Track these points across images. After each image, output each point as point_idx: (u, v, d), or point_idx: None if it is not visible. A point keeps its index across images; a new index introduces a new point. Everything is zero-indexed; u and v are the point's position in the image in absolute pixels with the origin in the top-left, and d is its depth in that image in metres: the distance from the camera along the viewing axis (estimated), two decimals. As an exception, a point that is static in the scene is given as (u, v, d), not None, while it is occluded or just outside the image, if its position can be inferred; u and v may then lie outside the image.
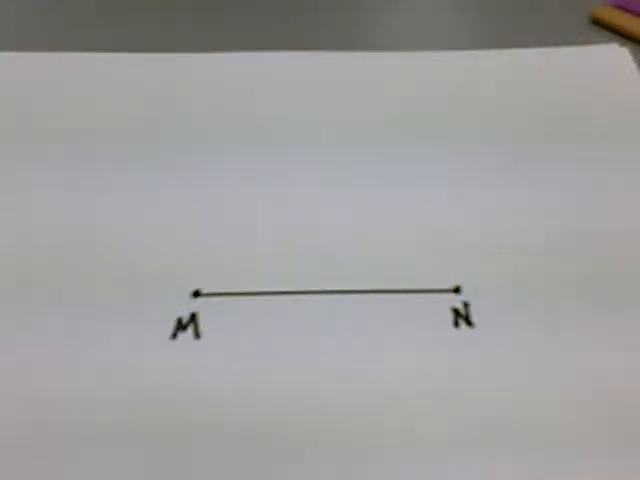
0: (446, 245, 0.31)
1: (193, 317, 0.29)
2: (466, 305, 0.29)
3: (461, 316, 0.29)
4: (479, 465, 0.25)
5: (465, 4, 0.44)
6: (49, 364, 0.28)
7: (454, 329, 0.28)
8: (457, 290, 0.30)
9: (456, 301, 0.29)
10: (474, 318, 0.29)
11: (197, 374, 0.27)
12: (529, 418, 0.26)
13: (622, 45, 0.39)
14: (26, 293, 0.29)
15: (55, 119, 0.35)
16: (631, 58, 0.38)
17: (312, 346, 0.28)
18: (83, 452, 0.26)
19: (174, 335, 0.28)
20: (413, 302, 0.29)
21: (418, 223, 0.32)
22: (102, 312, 0.29)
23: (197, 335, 0.28)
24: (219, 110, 0.36)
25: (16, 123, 0.35)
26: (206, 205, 0.32)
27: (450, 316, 0.29)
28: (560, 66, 0.38)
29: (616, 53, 0.39)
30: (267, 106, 0.36)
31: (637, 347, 0.28)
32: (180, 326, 0.28)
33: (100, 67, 0.37)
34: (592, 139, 0.34)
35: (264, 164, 0.34)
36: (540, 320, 0.29)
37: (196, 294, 0.29)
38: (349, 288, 0.30)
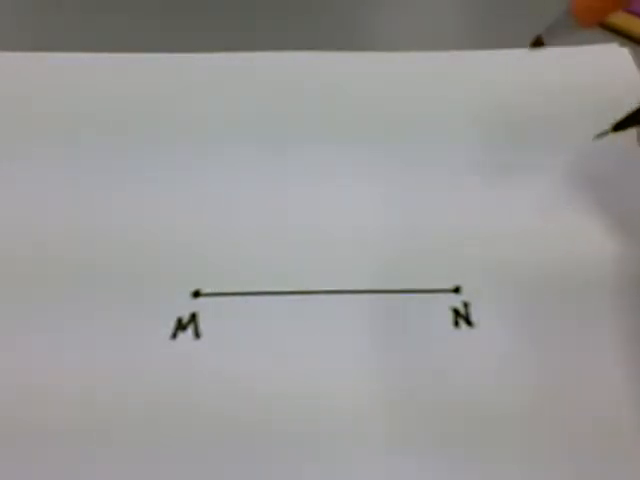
0: (446, 245, 0.31)
1: (193, 317, 0.29)
2: (466, 305, 0.29)
3: (461, 316, 0.29)
4: (479, 464, 0.25)
5: (465, 4, 0.44)
6: (49, 364, 0.27)
7: (454, 329, 0.29)
8: (457, 290, 0.30)
9: (456, 301, 0.29)
10: (474, 318, 0.29)
11: (197, 374, 0.27)
12: (529, 418, 0.26)
13: (622, 45, 0.39)
14: (25, 293, 0.29)
15: (55, 119, 0.35)
16: (631, 58, 0.38)
17: (312, 345, 0.28)
18: (83, 451, 0.26)
19: (174, 335, 0.28)
20: (413, 302, 0.29)
21: (418, 223, 0.32)
22: (102, 312, 0.29)
23: (197, 335, 0.28)
24: (219, 110, 0.36)
25: (16, 123, 0.35)
26: (206, 205, 0.32)
27: (450, 316, 0.29)
28: (560, 66, 0.38)
29: (616, 53, 0.39)
30: (267, 106, 0.36)
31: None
32: (180, 326, 0.28)
33: (100, 67, 0.37)
34: (591, 139, 0.34)
35: (265, 164, 0.34)
36: (540, 320, 0.29)
37: (196, 294, 0.29)
38: (349, 288, 0.30)
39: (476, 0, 0.44)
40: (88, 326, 0.28)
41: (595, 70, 0.38)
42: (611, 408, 0.26)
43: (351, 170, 0.33)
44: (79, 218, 0.32)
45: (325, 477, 0.25)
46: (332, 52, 0.38)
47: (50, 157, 0.34)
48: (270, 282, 0.30)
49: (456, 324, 0.29)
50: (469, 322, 0.29)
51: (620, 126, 0.28)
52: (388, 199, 0.32)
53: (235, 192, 0.33)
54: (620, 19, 0.41)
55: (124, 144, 0.34)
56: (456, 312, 0.29)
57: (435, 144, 0.35)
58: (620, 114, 0.28)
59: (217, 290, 0.29)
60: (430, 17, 0.42)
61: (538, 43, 0.28)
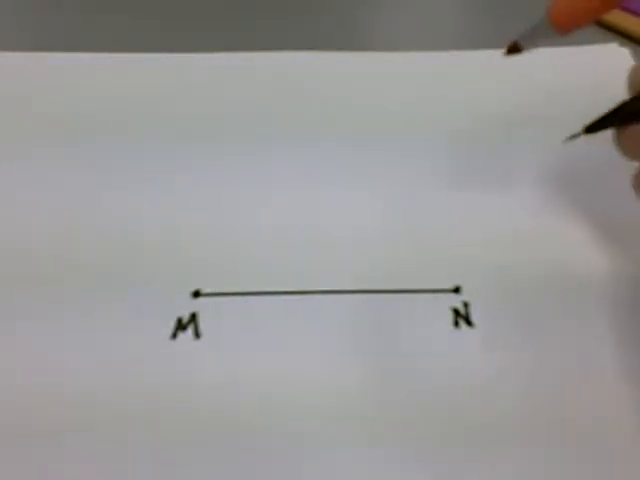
0: (446, 245, 0.31)
1: (193, 317, 0.29)
2: (466, 305, 0.29)
3: (461, 316, 0.29)
4: (479, 464, 0.25)
5: (465, 4, 0.44)
6: (49, 364, 0.28)
7: (454, 329, 0.29)
8: (457, 290, 0.30)
9: (456, 301, 0.29)
10: (474, 318, 0.29)
11: (197, 374, 0.27)
12: (529, 418, 0.26)
13: (622, 45, 0.39)
14: (25, 292, 0.29)
15: (55, 119, 0.35)
16: (631, 58, 0.38)
17: (312, 345, 0.28)
18: (83, 452, 0.26)
19: (174, 335, 0.28)
20: (413, 302, 0.29)
21: (418, 223, 0.32)
22: (102, 312, 0.29)
23: (197, 335, 0.28)
24: (219, 110, 0.36)
25: (16, 123, 0.35)
26: (206, 205, 0.32)
27: (450, 316, 0.29)
28: (560, 66, 0.38)
29: (616, 53, 0.39)
30: (267, 106, 0.36)
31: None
32: (180, 326, 0.28)
33: (100, 67, 0.37)
34: (592, 139, 0.34)
35: (265, 163, 0.34)
36: (540, 320, 0.29)
37: (196, 294, 0.29)
38: (349, 288, 0.30)
39: (476, 0, 0.44)
40: (88, 326, 0.28)
41: (595, 70, 0.38)
42: (611, 408, 0.26)
43: (351, 170, 0.33)
44: (79, 218, 0.32)
45: (325, 477, 0.25)
46: (332, 52, 0.38)
47: (50, 157, 0.34)
48: (270, 282, 0.30)
49: (456, 324, 0.29)
50: (469, 322, 0.29)
51: (592, 128, 0.27)
52: (388, 199, 0.32)
53: (235, 192, 0.33)
54: (619, 19, 0.41)
55: (124, 144, 0.34)
56: (456, 312, 0.29)
57: (435, 144, 0.35)
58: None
59: (217, 290, 0.29)
60: (430, 17, 0.42)
61: (514, 49, 0.27)
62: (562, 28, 0.26)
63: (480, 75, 0.38)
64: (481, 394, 0.27)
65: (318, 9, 0.42)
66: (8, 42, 0.39)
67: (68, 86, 0.36)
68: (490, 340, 0.28)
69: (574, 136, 0.28)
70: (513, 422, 0.26)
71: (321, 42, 0.39)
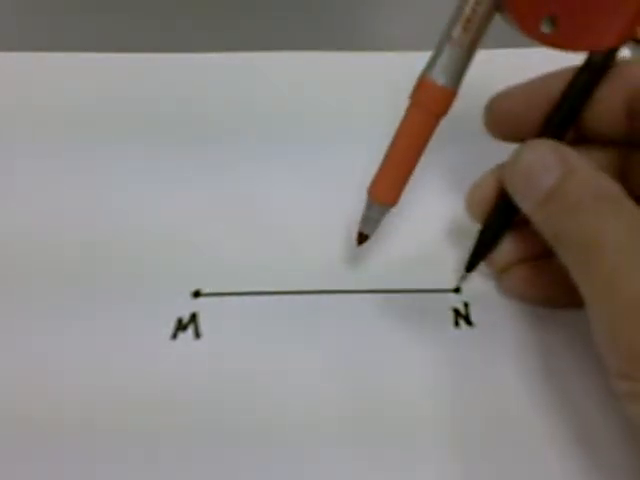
0: (446, 245, 0.31)
1: (193, 317, 0.29)
2: (466, 305, 0.29)
3: (461, 316, 0.29)
4: (479, 464, 0.25)
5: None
6: (48, 364, 0.28)
7: (454, 329, 0.29)
8: (457, 290, 0.30)
9: (456, 301, 0.29)
10: (474, 318, 0.29)
11: (197, 374, 0.27)
12: (530, 418, 0.26)
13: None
14: (25, 292, 0.29)
15: (55, 119, 0.35)
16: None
17: (312, 345, 0.28)
18: (83, 452, 0.26)
19: (174, 335, 0.28)
20: (413, 302, 0.29)
21: (418, 223, 0.32)
22: (102, 312, 0.29)
23: (197, 335, 0.28)
24: (219, 110, 0.36)
25: (16, 123, 0.35)
26: (206, 205, 0.32)
27: (450, 316, 0.29)
28: (560, 66, 0.38)
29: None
30: (267, 106, 0.36)
31: None
32: (180, 326, 0.29)
33: (100, 67, 0.37)
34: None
35: (264, 164, 0.34)
36: (540, 319, 0.29)
37: (196, 294, 0.29)
38: (350, 288, 0.30)
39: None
40: (88, 326, 0.28)
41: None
42: (616, 408, 0.26)
43: (351, 170, 0.33)
44: (79, 218, 0.32)
45: (326, 477, 0.25)
46: (332, 52, 0.38)
47: (50, 157, 0.34)
48: (270, 282, 0.30)
49: (456, 324, 0.29)
50: (469, 322, 0.29)
51: (471, 267, 0.29)
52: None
53: (235, 192, 0.33)
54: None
55: (124, 144, 0.34)
56: (456, 312, 0.29)
57: (435, 144, 0.35)
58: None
59: (217, 290, 0.30)
60: (430, 17, 0.42)
61: (363, 238, 0.28)
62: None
63: (479, 75, 0.38)
64: (481, 394, 0.27)
65: (318, 9, 0.42)
66: (8, 42, 0.39)
67: (68, 86, 0.36)
68: (490, 340, 0.28)
69: (462, 279, 0.29)
70: (513, 422, 0.26)
71: (321, 42, 0.39)
